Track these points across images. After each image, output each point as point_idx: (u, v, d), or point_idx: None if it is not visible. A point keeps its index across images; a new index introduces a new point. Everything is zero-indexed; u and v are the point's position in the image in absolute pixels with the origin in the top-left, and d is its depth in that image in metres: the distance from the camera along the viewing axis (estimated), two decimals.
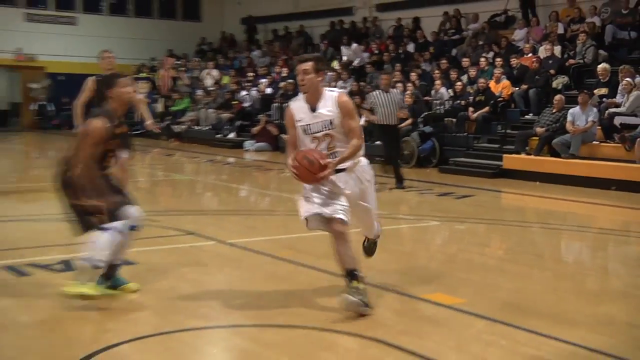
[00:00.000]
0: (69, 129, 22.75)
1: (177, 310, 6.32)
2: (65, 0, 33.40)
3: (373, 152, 11.92)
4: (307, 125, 6.26)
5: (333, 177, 6.21)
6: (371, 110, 14.78)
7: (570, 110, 16.57)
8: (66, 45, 31.22)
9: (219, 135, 25.83)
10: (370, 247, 7.23)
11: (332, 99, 6.23)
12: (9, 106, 33.79)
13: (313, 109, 6.24)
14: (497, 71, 19.68)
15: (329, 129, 6.21)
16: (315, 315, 6.16)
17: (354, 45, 26.02)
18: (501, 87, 19.29)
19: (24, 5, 32.51)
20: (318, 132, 6.25)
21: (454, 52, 22.99)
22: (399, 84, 19.83)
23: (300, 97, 6.37)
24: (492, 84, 19.41)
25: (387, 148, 15.26)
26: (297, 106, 6.36)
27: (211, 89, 28.45)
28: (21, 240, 9.62)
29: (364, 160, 6.49)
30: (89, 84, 10.31)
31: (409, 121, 18.69)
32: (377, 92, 14.85)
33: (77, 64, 28.65)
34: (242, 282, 7.49)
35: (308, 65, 6.24)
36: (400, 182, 14.83)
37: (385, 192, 13.74)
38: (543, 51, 20.08)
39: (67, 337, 5.79)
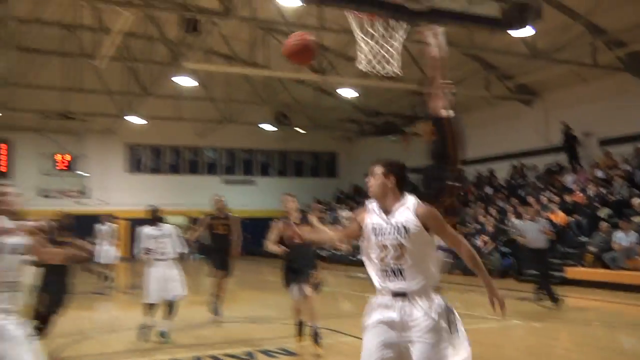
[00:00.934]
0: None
1: None
2: (247, 168, 34.66)
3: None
4: (377, 225, 4.10)
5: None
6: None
7: (615, 233, 16.13)
8: (249, 198, 32.32)
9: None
10: None
11: (412, 205, 4.07)
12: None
13: (387, 212, 4.12)
14: (554, 206, 19.27)
15: (403, 238, 3.97)
16: None
17: None
18: (559, 217, 18.85)
19: (222, 173, 34.05)
20: (389, 238, 4.00)
21: (521, 192, 22.67)
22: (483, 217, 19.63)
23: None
24: (552, 215, 19.00)
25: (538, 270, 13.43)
26: (373, 206, 4.23)
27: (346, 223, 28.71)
28: (215, 335, 9.75)
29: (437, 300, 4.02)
30: (205, 220, 10.89)
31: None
32: (522, 221, 13.49)
33: (256, 211, 29.60)
34: None
35: (378, 169, 4.25)
36: (555, 299, 12.55)
37: (472, 294, 13.39)
38: (589, 190, 19.63)
39: None
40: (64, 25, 23.50)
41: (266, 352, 8.26)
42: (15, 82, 23.82)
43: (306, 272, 8.47)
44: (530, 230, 12.96)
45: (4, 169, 30.14)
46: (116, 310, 14.11)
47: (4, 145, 30.18)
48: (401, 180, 4.17)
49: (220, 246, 11.91)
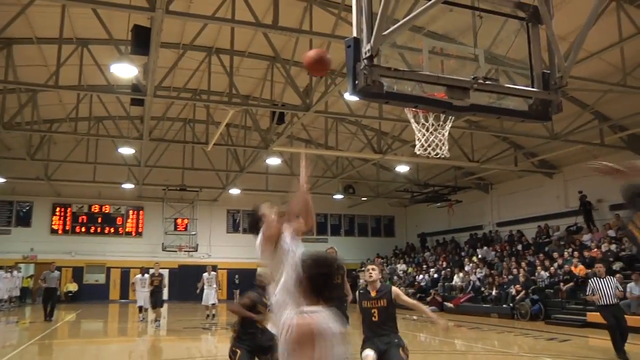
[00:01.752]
0: None
1: None
2: (322, 229, 33.64)
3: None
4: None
5: None
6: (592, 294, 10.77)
7: (629, 284, 15.32)
8: None
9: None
10: None
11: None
12: None
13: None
14: (575, 260, 18.52)
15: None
16: None
17: (485, 248, 25.37)
18: (578, 270, 18.13)
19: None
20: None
21: (546, 248, 21.91)
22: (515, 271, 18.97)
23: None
24: (573, 268, 18.28)
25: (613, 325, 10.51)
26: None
27: (401, 275, 28.27)
28: None
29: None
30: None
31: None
32: (596, 279, 10.94)
33: None
34: None
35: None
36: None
37: (508, 335, 12.78)
38: (603, 247, 18.80)
39: None
40: (183, 119, 24.64)
41: None
42: (147, 164, 24.86)
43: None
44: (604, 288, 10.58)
45: (140, 229, 31.25)
46: (217, 342, 14.17)
47: (141, 212, 31.39)
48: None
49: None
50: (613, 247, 18.67)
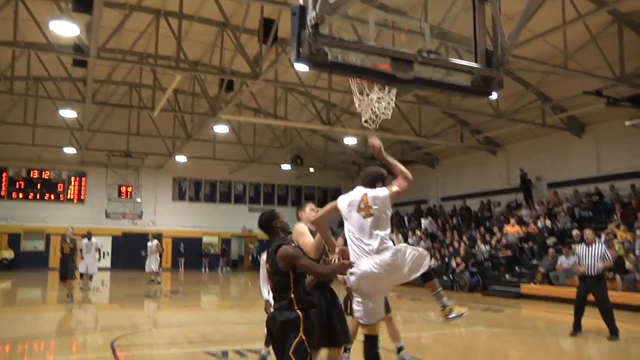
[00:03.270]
0: None
1: None
2: (269, 199, 34.46)
3: None
4: None
5: None
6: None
7: (559, 257, 16.03)
8: None
9: None
10: None
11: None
12: (238, 257, 35.05)
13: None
14: (512, 220, 19.37)
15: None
16: None
17: (429, 218, 25.98)
18: (515, 229, 19.46)
19: (247, 203, 34.11)
20: None
21: (487, 223, 22.63)
22: (457, 244, 19.56)
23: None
24: (509, 228, 19.35)
25: (597, 298, 9.40)
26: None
27: None
28: (242, 334, 9.78)
29: None
30: None
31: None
32: (582, 246, 9.66)
33: None
34: None
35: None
36: (615, 333, 9.17)
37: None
38: (540, 223, 19.56)
39: None
40: (129, 83, 23.91)
41: None
42: (90, 128, 24.10)
43: None
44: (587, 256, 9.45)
45: (82, 196, 30.38)
46: (161, 310, 14.08)
47: (84, 178, 30.48)
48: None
49: None
50: (548, 223, 19.45)
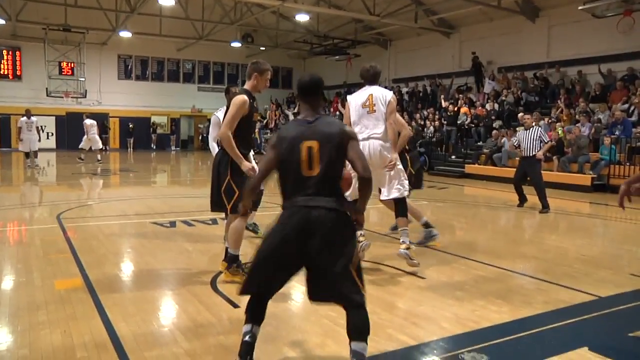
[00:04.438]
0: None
1: None
2: (218, 78, 33.70)
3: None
4: None
5: None
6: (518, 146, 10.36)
7: (503, 140, 16.58)
8: (219, 103, 31.77)
9: None
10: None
11: None
12: (188, 137, 34.80)
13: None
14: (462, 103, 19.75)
15: None
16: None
17: None
18: (464, 110, 19.82)
19: (197, 82, 33.31)
20: None
21: (437, 104, 22.92)
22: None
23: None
24: (462, 109, 19.68)
25: (531, 177, 10.17)
26: None
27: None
28: (190, 207, 9.92)
29: None
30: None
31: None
32: (522, 130, 10.51)
33: None
34: None
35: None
36: (546, 207, 9.99)
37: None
38: (488, 106, 19.93)
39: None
40: None
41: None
42: None
43: None
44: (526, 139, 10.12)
45: (19, 72, 28.85)
46: (109, 187, 14.06)
47: (18, 53, 28.75)
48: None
49: None
50: (496, 106, 19.84)
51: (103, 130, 27.53)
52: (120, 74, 31.38)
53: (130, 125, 30.86)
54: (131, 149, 30.66)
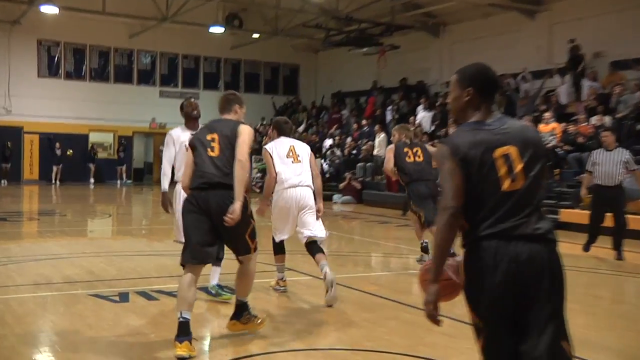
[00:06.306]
0: None
1: (279, 334, 6.36)
2: (190, 80, 34.28)
3: None
4: None
5: None
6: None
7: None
8: None
9: None
10: None
11: None
12: (144, 165, 34.85)
13: None
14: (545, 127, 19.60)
15: None
16: (398, 342, 6.11)
17: (427, 111, 25.82)
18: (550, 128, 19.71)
19: (159, 84, 33.57)
20: None
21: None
22: None
23: None
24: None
25: (616, 213, 11.51)
26: None
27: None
28: (150, 271, 9.87)
29: None
30: None
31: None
32: (601, 151, 11.57)
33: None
34: (334, 310, 7.34)
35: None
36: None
37: None
38: (595, 119, 19.58)
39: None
40: None
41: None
42: None
43: None
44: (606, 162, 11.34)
45: None
46: (23, 238, 13.82)
47: None
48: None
49: None
50: (606, 120, 19.48)
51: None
52: (41, 69, 31.68)
53: (57, 146, 30.78)
54: (56, 182, 30.66)
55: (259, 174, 25.39)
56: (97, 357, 5.70)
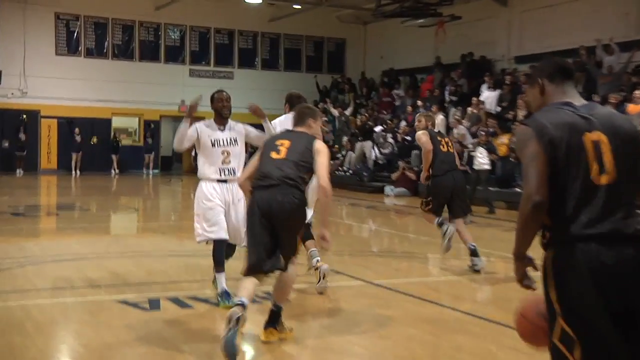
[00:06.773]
0: None
1: (329, 348, 6.41)
2: (223, 57, 34.37)
3: None
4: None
5: None
6: None
7: None
8: None
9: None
10: None
11: None
12: (172, 153, 35.02)
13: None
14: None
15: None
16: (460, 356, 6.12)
17: (494, 90, 25.60)
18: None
19: (188, 63, 33.62)
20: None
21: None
22: None
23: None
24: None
25: None
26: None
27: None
28: (182, 274, 9.99)
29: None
30: None
31: None
32: None
33: (233, 115, 29.21)
34: (392, 322, 7.28)
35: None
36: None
37: None
38: None
39: None
40: None
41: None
42: None
43: None
44: None
45: None
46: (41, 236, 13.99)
47: None
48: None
49: None
50: None
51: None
52: (59, 46, 31.92)
53: (77, 132, 31.02)
54: (77, 171, 30.97)
55: None
56: None
